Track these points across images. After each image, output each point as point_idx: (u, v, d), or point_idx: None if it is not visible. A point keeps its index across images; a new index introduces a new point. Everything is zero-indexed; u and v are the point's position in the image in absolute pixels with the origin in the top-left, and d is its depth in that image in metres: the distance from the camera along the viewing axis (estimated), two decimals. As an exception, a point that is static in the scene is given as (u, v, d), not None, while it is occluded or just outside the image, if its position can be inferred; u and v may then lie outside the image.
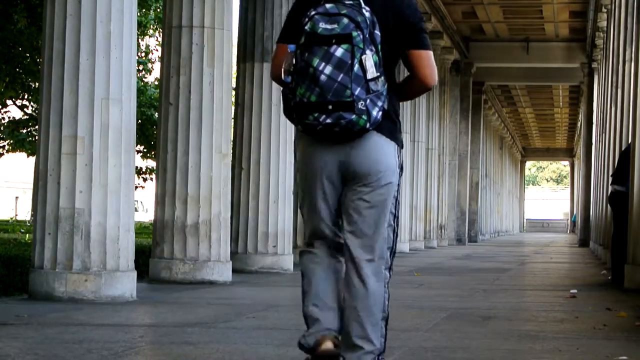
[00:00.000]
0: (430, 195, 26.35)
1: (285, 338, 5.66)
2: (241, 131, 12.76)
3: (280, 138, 12.65)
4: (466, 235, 31.23)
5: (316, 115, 3.70)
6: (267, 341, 5.50)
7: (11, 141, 26.94)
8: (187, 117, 10.31)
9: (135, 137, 8.40)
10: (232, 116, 11.77)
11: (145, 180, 29.21)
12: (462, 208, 30.96)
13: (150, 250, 10.64)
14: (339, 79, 3.66)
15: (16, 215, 46.42)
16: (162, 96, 10.60)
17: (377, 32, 3.73)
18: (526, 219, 78.73)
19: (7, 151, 28.28)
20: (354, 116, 3.68)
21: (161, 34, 12.95)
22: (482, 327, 6.45)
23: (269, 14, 12.81)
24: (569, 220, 71.10)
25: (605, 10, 22.02)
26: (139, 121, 24.42)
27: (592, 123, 29.48)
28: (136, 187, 25.90)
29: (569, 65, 30.90)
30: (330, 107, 3.67)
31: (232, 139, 11.45)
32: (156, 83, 26.25)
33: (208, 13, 10.36)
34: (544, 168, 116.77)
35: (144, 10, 23.27)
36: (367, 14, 3.72)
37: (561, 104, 42.76)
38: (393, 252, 3.96)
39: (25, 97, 24.05)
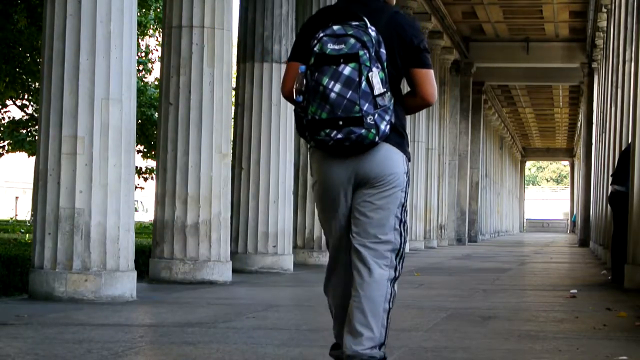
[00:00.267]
0: (430, 195, 26.35)
1: (285, 338, 5.66)
2: (241, 131, 12.76)
3: (280, 138, 12.66)
4: (466, 235, 31.22)
5: (327, 131, 3.89)
6: (267, 341, 5.50)
7: (11, 141, 26.94)
8: (187, 117, 10.31)
9: (135, 137, 8.40)
10: (232, 116, 11.77)
11: (145, 180, 29.20)
12: (462, 208, 30.96)
13: (150, 250, 10.64)
14: (348, 95, 3.85)
15: (16, 215, 46.42)
16: (162, 96, 10.60)
17: (383, 50, 3.93)
18: (526, 219, 78.72)
19: (7, 151, 28.27)
20: (363, 130, 3.87)
21: (161, 34, 12.95)
22: (482, 327, 6.45)
23: (269, 14, 12.82)
24: (569, 220, 71.11)
25: (605, 10, 22.02)
26: (139, 121, 24.41)
27: (592, 123, 29.48)
28: (136, 187, 25.95)
29: (569, 65, 30.90)
30: (340, 122, 3.86)
31: (232, 139, 11.45)
32: (156, 83, 26.25)
33: (208, 13, 10.36)
34: (544, 168, 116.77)
35: (144, 10, 23.27)
36: (373, 34, 3.91)
37: (561, 104, 42.76)
38: (402, 256, 4.09)
39: (25, 97, 24.05)
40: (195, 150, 10.26)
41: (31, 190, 32.05)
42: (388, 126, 3.93)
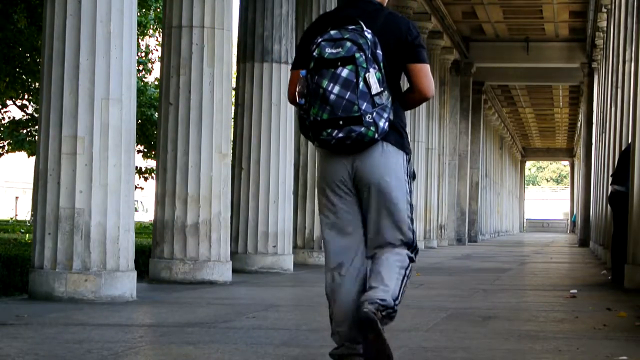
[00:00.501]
0: (430, 195, 26.35)
1: (285, 338, 5.67)
2: (241, 131, 12.76)
3: (280, 138, 12.66)
4: (466, 235, 31.22)
5: (329, 131, 4.11)
6: (267, 341, 5.50)
7: (11, 141, 26.93)
8: (187, 117, 10.30)
9: (135, 137, 8.40)
10: (232, 116, 11.77)
11: (146, 179, 29.19)
12: (462, 208, 30.96)
13: (150, 250, 10.63)
14: (347, 96, 4.06)
15: (16, 215, 46.42)
16: (162, 96, 10.59)
17: (379, 51, 4.13)
18: (526, 219, 78.72)
19: (7, 151, 28.27)
20: (363, 128, 4.08)
21: (161, 34, 12.95)
22: (482, 327, 6.45)
23: (269, 14, 12.81)
24: (569, 220, 71.10)
25: (605, 10, 22.01)
26: (139, 121, 24.40)
27: (592, 123, 29.47)
28: (136, 187, 25.94)
29: (569, 65, 30.89)
30: (341, 122, 4.08)
31: (232, 139, 11.45)
32: (156, 83, 26.24)
33: (208, 13, 10.35)
34: (544, 168, 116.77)
35: (144, 10, 23.27)
36: (369, 36, 4.12)
37: (561, 104, 42.75)
38: (417, 249, 4.31)
39: (25, 97, 24.04)
40: (195, 150, 10.26)
41: (31, 190, 32.06)
42: (387, 123, 4.12)
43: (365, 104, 4.06)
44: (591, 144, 29.36)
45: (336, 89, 4.07)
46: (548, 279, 12.78)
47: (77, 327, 6.07)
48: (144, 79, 27.12)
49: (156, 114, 20.34)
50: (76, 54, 7.87)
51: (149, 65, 27.43)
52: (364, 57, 4.08)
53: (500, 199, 52.65)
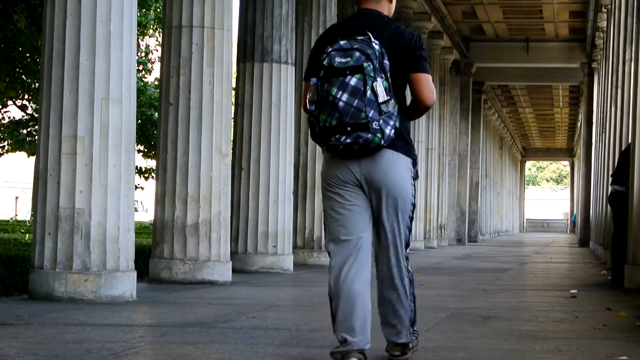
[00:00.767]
0: (430, 195, 26.35)
1: (285, 338, 5.67)
2: (241, 131, 12.77)
3: (280, 138, 12.66)
4: (466, 235, 31.22)
5: (337, 136, 4.32)
6: (267, 341, 5.50)
7: (11, 141, 26.94)
8: (187, 117, 10.30)
9: (135, 137, 8.40)
10: (232, 116, 11.77)
11: (146, 179, 29.19)
12: (462, 208, 30.95)
13: (150, 250, 10.64)
14: (355, 104, 4.27)
15: (16, 215, 46.43)
16: (162, 96, 10.59)
17: (386, 61, 4.35)
18: (526, 219, 78.72)
19: (7, 151, 28.27)
20: (369, 135, 4.29)
21: (161, 34, 12.95)
22: (482, 327, 6.45)
23: (269, 14, 12.81)
24: (569, 220, 71.10)
25: (605, 10, 22.01)
26: (139, 121, 24.41)
27: (592, 123, 29.47)
28: (137, 187, 25.93)
29: (569, 65, 30.89)
30: (349, 128, 4.29)
31: (232, 138, 11.45)
32: (156, 83, 26.24)
33: (208, 13, 10.36)
34: (544, 168, 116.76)
35: (144, 10, 23.27)
36: (377, 47, 4.35)
37: (561, 104, 42.75)
38: (408, 244, 4.64)
39: (25, 97, 24.05)
40: (195, 150, 10.26)
41: (31, 190, 32.05)
42: (392, 130, 4.35)
43: (372, 111, 4.27)
44: (591, 144, 29.36)
45: (345, 97, 4.26)
46: (548, 279, 12.78)
47: (77, 327, 6.07)
48: (144, 79, 27.13)
49: (156, 114, 20.34)
50: (76, 54, 7.87)
51: (149, 65, 27.44)
52: (371, 66, 4.28)
53: (500, 199, 52.65)
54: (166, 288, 9.38)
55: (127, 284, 7.97)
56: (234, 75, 12.58)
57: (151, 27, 25.16)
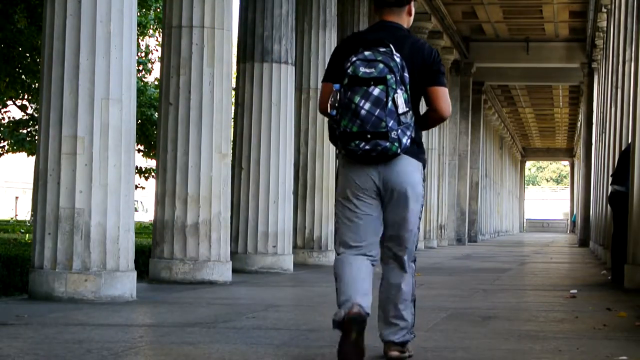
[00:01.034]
0: (430, 195, 26.34)
1: (285, 338, 5.67)
2: (241, 131, 12.77)
3: (280, 138, 12.66)
4: (466, 235, 31.22)
5: (357, 142, 4.54)
6: (267, 341, 5.50)
7: (11, 141, 26.93)
8: (187, 117, 10.30)
9: (135, 137, 8.39)
10: (232, 116, 11.77)
11: (146, 179, 29.18)
12: (462, 208, 30.95)
13: (150, 250, 10.63)
14: (376, 113, 4.49)
15: (16, 215, 46.44)
16: (162, 96, 10.59)
17: (406, 74, 4.57)
18: (526, 219, 78.70)
19: (7, 151, 28.27)
20: (388, 143, 4.52)
21: (161, 34, 12.95)
22: (482, 327, 6.45)
23: (269, 14, 12.81)
24: (569, 220, 71.09)
25: (605, 10, 22.01)
26: (139, 121, 24.40)
27: (592, 123, 29.47)
28: (137, 187, 25.92)
29: (569, 65, 30.88)
30: (369, 136, 4.51)
31: (232, 139, 11.45)
32: (156, 83, 26.23)
33: (208, 13, 10.35)
34: (544, 168, 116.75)
35: (144, 10, 23.26)
36: (398, 60, 4.56)
37: (561, 104, 42.75)
38: (416, 247, 4.85)
39: (25, 97, 24.04)
40: (195, 150, 10.26)
41: (31, 190, 32.05)
42: (409, 140, 4.57)
43: (392, 121, 4.49)
44: (591, 144, 29.35)
45: (367, 106, 4.48)
46: (548, 279, 12.78)
47: (77, 327, 6.07)
48: (144, 79, 27.12)
49: (156, 114, 20.34)
50: (76, 54, 7.87)
51: (149, 65, 27.43)
52: (394, 79, 4.50)
53: (500, 199, 52.64)
54: (166, 288, 9.38)
55: (127, 284, 7.97)
56: (234, 75, 12.58)
57: (151, 27, 25.16)
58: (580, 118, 38.92)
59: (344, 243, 4.72)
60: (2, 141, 27.77)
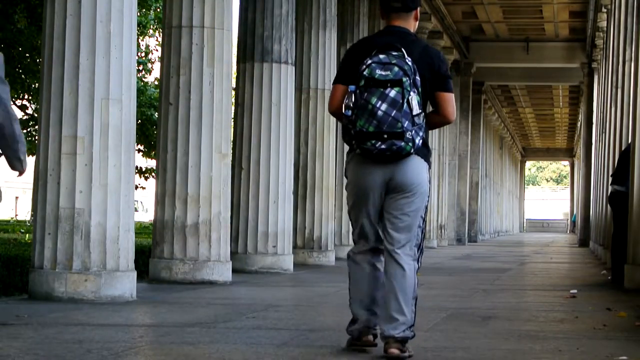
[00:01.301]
0: (431, 195, 26.22)
1: (285, 338, 5.67)
2: (241, 131, 12.77)
3: (280, 138, 12.66)
4: (466, 235, 31.22)
5: (373, 142, 4.73)
6: (267, 341, 5.50)
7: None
8: (187, 117, 10.30)
9: (135, 137, 8.39)
10: (232, 116, 11.77)
11: (146, 179, 29.17)
12: (462, 208, 30.95)
13: (150, 250, 10.63)
14: (393, 114, 4.68)
15: (16, 215, 46.43)
16: (162, 96, 10.59)
17: (418, 77, 4.77)
18: (526, 219, 78.69)
19: (7, 151, 28.20)
20: (402, 143, 4.72)
21: (161, 34, 12.95)
22: (482, 327, 6.45)
23: (269, 14, 12.81)
24: (569, 220, 71.08)
25: (605, 10, 22.01)
26: (139, 121, 24.40)
27: (592, 123, 29.47)
28: (137, 187, 25.89)
29: (569, 65, 30.88)
30: (385, 136, 4.70)
31: (232, 139, 11.45)
32: (156, 83, 26.23)
33: (208, 13, 10.35)
34: (544, 168, 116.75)
35: (144, 10, 23.26)
36: (410, 63, 4.76)
37: (561, 104, 42.75)
38: (421, 248, 4.99)
39: (26, 97, 24.05)
40: (195, 150, 10.25)
41: (31, 190, 32.03)
42: (421, 140, 4.80)
43: (407, 122, 4.69)
44: (591, 144, 29.35)
45: (384, 107, 4.67)
46: (548, 279, 12.78)
47: (77, 327, 6.07)
48: (144, 79, 27.11)
49: (156, 114, 20.33)
50: (76, 54, 7.87)
51: (149, 65, 27.41)
52: (409, 81, 4.70)
53: (500, 199, 52.64)
54: (166, 288, 9.38)
55: (127, 284, 7.96)
56: (234, 75, 12.58)
57: (151, 27, 25.14)
58: (580, 118, 38.93)
59: (359, 234, 5.03)
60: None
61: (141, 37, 25.24)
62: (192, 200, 10.20)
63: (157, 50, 27.64)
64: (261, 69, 12.73)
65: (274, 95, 12.69)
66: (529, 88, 38.53)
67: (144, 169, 29.09)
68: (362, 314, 5.01)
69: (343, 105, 4.87)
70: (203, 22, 10.34)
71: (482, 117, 35.93)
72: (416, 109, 4.72)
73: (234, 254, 11.95)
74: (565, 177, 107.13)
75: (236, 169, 12.57)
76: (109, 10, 7.92)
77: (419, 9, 5.07)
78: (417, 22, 5.08)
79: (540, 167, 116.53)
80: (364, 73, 4.74)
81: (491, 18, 27.57)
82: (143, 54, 26.71)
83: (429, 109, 5.03)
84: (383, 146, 4.72)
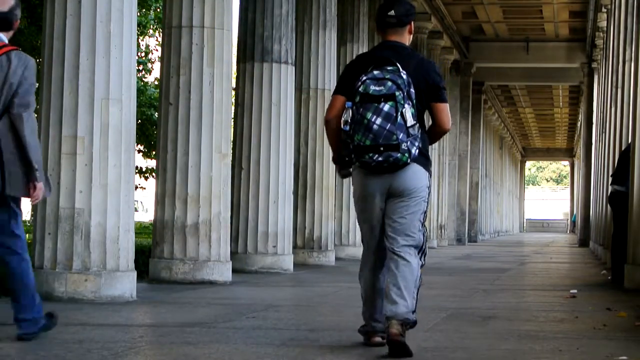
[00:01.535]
0: (430, 195, 26.32)
1: (285, 338, 5.67)
2: (241, 131, 12.77)
3: (280, 138, 12.66)
4: (466, 235, 31.22)
5: (371, 155, 4.95)
6: (267, 341, 5.50)
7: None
8: (187, 117, 10.30)
9: (135, 137, 8.39)
10: (232, 116, 11.77)
11: (146, 179, 29.15)
12: (462, 208, 30.95)
13: (150, 250, 10.63)
14: (387, 127, 4.89)
15: (16, 215, 46.23)
16: (162, 96, 10.59)
17: (412, 90, 5.00)
18: (526, 219, 78.68)
19: (7, 151, 28.19)
20: (399, 154, 4.93)
21: (161, 34, 12.95)
22: (482, 327, 6.45)
23: (269, 14, 12.81)
24: (569, 220, 71.08)
25: (605, 10, 22.01)
26: (139, 121, 24.39)
27: (592, 123, 29.47)
28: (137, 187, 25.90)
29: (569, 65, 30.88)
30: (381, 148, 4.92)
31: (232, 139, 11.44)
32: (156, 83, 26.23)
33: (208, 13, 10.35)
34: (544, 168, 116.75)
35: (144, 10, 23.25)
36: (405, 77, 4.97)
37: (561, 104, 42.75)
38: (424, 251, 5.16)
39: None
40: (195, 150, 10.25)
41: (31, 190, 31.91)
42: (417, 150, 4.99)
43: (402, 134, 4.89)
44: (591, 144, 29.35)
45: (378, 121, 4.88)
46: (548, 279, 12.78)
47: (77, 327, 6.07)
48: (144, 79, 27.10)
49: (156, 114, 20.33)
50: (76, 54, 7.87)
51: (149, 65, 27.41)
52: (402, 95, 4.90)
53: (500, 199, 52.64)
54: (166, 288, 9.38)
55: (127, 284, 7.97)
56: (234, 75, 12.58)
57: (151, 27, 25.14)
58: (580, 118, 38.93)
59: (367, 242, 5.26)
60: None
61: (141, 37, 25.23)
62: (192, 200, 10.20)
63: (157, 50, 27.63)
64: (261, 69, 12.73)
65: (274, 95, 12.69)
66: (529, 88, 38.53)
67: (144, 169, 29.08)
68: (368, 322, 5.29)
69: (342, 121, 5.11)
70: (203, 22, 10.34)
71: (482, 117, 35.93)
72: (410, 121, 4.91)
73: (234, 254, 11.95)
74: (565, 177, 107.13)
75: (236, 169, 12.57)
76: (109, 10, 7.92)
77: (412, 23, 5.29)
78: (412, 35, 5.31)
79: (540, 167, 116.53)
80: (359, 89, 4.97)
81: (491, 18, 27.57)
82: (143, 54, 26.71)
83: (428, 118, 5.24)
84: (380, 158, 4.93)
